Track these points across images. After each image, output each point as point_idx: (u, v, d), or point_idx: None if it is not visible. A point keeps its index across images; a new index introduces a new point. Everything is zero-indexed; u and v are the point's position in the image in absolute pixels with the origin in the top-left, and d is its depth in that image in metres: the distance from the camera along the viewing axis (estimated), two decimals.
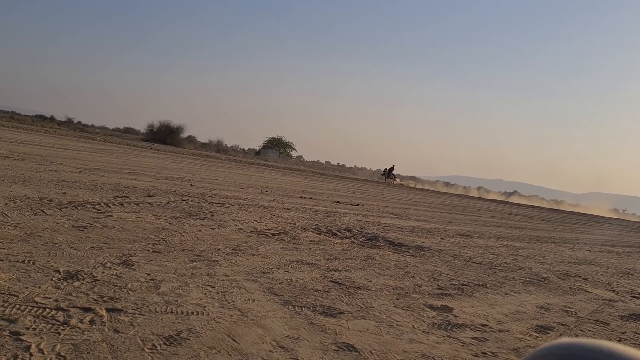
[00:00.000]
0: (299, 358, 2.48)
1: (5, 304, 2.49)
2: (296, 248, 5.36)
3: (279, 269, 4.28)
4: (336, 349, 2.69)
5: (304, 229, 6.81)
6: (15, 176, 7.24)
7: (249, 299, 3.28)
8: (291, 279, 3.99)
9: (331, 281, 4.13)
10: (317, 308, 3.35)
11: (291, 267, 4.43)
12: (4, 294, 2.63)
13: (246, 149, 71.92)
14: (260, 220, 6.96)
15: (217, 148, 54.04)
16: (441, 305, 3.94)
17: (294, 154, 71.61)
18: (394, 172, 53.03)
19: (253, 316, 2.97)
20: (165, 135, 44.93)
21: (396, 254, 5.99)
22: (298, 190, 15.24)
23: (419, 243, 7.25)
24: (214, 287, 3.41)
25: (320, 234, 6.59)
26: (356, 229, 7.57)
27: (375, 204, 14.65)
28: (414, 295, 4.11)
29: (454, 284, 4.80)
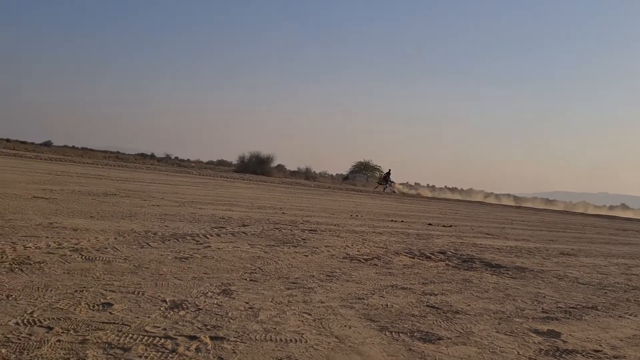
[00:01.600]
0: None
1: (120, 333, 2.66)
2: (390, 272, 5.31)
3: (373, 294, 4.26)
4: None
5: (396, 253, 6.74)
6: (122, 212, 7.76)
7: (345, 326, 3.29)
8: (387, 304, 3.95)
9: (427, 305, 4.05)
10: (415, 334, 3.29)
11: (386, 292, 4.40)
12: (118, 323, 2.81)
13: (334, 174, 72.62)
14: (352, 245, 6.98)
15: (306, 175, 55.02)
16: (547, 329, 3.73)
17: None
18: (390, 177, 45.88)
19: (350, 343, 2.97)
20: (255, 166, 46.47)
21: (494, 276, 5.76)
22: (388, 213, 15.14)
23: (518, 264, 6.93)
24: (310, 314, 3.44)
25: (413, 258, 6.49)
26: (450, 251, 7.38)
27: (469, 224, 14.22)
28: (517, 320, 3.93)
29: (560, 307, 4.53)
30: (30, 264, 3.89)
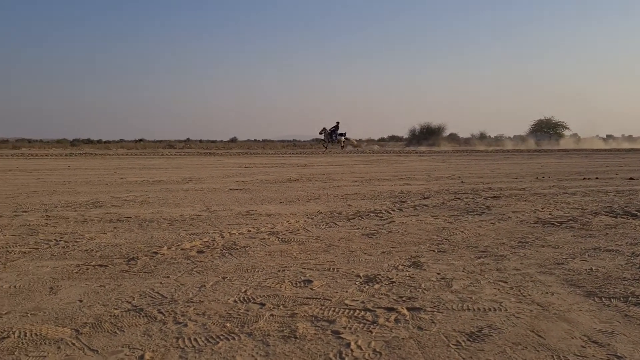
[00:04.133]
0: (618, 354, 2.25)
1: (323, 307, 2.85)
2: (590, 234, 4.89)
3: (574, 258, 3.96)
4: None
5: (595, 213, 6.17)
6: (307, 195, 8.24)
7: (547, 292, 3.11)
8: (591, 269, 3.65)
9: None
10: (630, 299, 2.99)
11: (588, 255, 4.06)
12: (320, 298, 3.01)
13: (512, 136, 68.54)
14: (542, 209, 6.56)
15: (481, 141, 52.82)
16: None
17: (567, 133, 65.37)
18: (339, 131, 38.13)
19: (555, 310, 2.81)
20: (427, 137, 45.86)
21: None
22: (579, 172, 13.90)
23: None
24: (506, 282, 3.33)
25: (616, 217, 5.89)
26: None
27: None
28: None
29: None
30: (237, 249, 4.33)
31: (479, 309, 2.82)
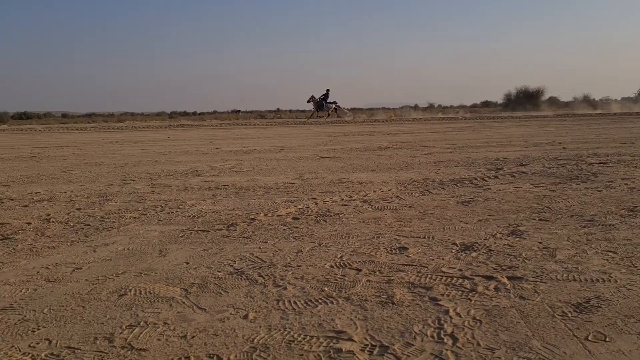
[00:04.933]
0: None
1: (419, 274, 2.83)
2: None
3: None
4: None
5: None
6: (399, 163, 8.15)
7: None
8: None
9: None
10: None
11: None
12: (416, 265, 2.99)
13: (618, 98, 63.55)
14: None
15: (584, 104, 49.43)
16: None
17: None
18: (329, 99, 34.86)
19: None
20: (524, 102, 43.64)
21: None
22: None
23: None
24: (616, 253, 3.13)
25: None
26: None
27: None
28: None
29: None
30: (331, 216, 4.39)
31: (586, 280, 2.68)
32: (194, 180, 6.82)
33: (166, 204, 5.10)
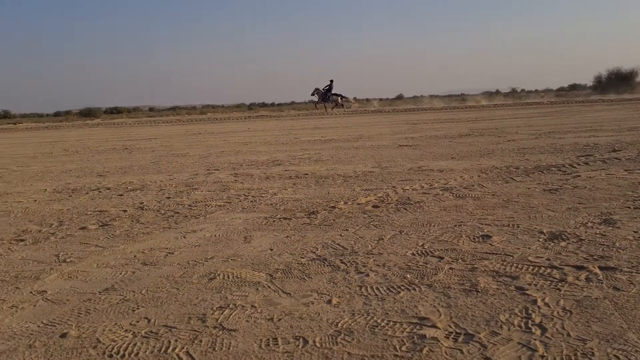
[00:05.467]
0: None
1: (504, 263, 2.76)
2: None
3: None
4: None
5: None
6: (479, 150, 7.94)
7: None
8: None
9: None
10: None
11: None
12: (501, 254, 2.92)
13: None
14: None
15: None
16: None
17: None
18: (333, 90, 34.59)
19: None
20: (616, 84, 41.00)
21: None
22: None
23: None
24: None
25: None
26: None
27: None
28: None
29: None
30: (411, 204, 4.36)
31: None
32: (275, 169, 6.99)
33: (249, 193, 5.26)
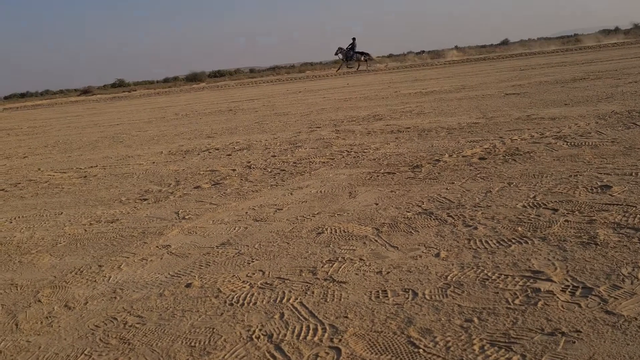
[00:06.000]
0: None
1: (626, 214, 2.58)
2: None
3: None
4: None
5: None
6: (597, 95, 7.36)
7: None
8: None
9: None
10: None
11: None
12: (622, 205, 2.72)
13: None
14: None
15: None
16: None
17: None
18: (357, 49, 33.21)
19: None
20: None
21: None
22: None
23: None
24: None
25: None
26: None
27: None
28: None
29: None
30: (520, 155, 4.17)
31: None
32: (376, 124, 6.95)
33: (351, 149, 5.29)
